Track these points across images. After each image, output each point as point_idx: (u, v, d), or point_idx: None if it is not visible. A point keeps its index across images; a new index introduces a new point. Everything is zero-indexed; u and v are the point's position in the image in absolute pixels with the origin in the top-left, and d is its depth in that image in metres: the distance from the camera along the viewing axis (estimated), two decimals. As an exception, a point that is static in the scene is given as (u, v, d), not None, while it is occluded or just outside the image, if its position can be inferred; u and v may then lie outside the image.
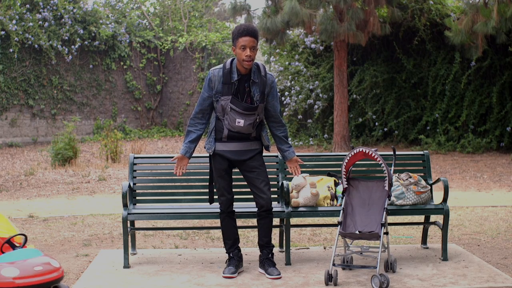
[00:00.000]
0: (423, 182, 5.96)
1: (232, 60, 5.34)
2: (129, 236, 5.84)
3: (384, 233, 5.27)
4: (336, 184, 6.00)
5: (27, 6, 17.18)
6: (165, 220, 6.94)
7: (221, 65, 5.36)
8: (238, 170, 5.53)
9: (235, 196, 5.54)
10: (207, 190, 5.82)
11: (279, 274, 5.35)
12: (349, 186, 5.50)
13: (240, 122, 5.26)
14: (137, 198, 6.00)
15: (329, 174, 6.10)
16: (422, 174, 6.16)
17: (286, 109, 16.82)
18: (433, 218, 6.45)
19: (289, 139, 16.47)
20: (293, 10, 12.83)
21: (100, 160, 13.77)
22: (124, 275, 5.46)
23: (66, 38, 17.68)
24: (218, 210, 5.57)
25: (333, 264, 5.14)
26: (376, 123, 15.75)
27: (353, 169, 5.67)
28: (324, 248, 6.41)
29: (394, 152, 5.74)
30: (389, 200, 5.45)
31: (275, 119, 5.44)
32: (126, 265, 5.66)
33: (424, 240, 6.38)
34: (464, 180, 11.19)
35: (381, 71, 15.62)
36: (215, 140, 5.39)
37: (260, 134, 5.45)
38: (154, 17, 21.50)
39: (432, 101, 15.29)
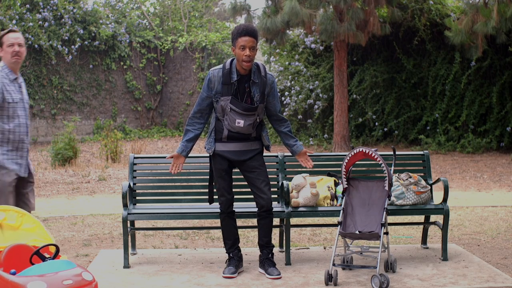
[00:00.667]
0: (423, 182, 5.96)
1: (232, 60, 5.33)
2: (129, 236, 5.84)
3: (384, 233, 5.27)
4: (336, 184, 6.00)
5: (27, 6, 17.17)
6: (165, 220, 6.94)
7: (220, 66, 5.35)
8: (238, 170, 5.53)
9: (235, 196, 5.54)
10: (207, 190, 5.82)
11: (279, 274, 5.35)
12: (349, 186, 5.50)
13: (240, 122, 5.26)
14: (137, 198, 6.00)
15: (329, 174, 6.10)
16: (422, 174, 6.16)
17: (286, 109, 16.82)
18: (433, 218, 6.45)
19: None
20: (293, 10, 12.83)
21: (100, 160, 13.77)
22: (124, 275, 5.46)
23: (66, 38, 17.68)
24: (218, 210, 5.57)
25: (333, 264, 5.14)
26: (376, 123, 15.75)
27: (353, 169, 5.67)
28: (324, 248, 6.41)
29: (394, 152, 5.74)
30: (389, 200, 5.45)
31: (277, 117, 5.45)
32: (126, 265, 5.66)
33: (424, 240, 6.38)
34: (464, 180, 11.19)
35: (381, 71, 15.63)
36: (215, 141, 5.38)
37: (260, 134, 5.45)
38: (154, 17, 21.50)
39: (432, 101, 15.29)
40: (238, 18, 19.04)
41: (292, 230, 6.99)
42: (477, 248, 6.41)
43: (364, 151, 5.35)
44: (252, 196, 5.67)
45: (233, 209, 5.51)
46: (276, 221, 5.85)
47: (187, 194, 6.10)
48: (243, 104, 5.24)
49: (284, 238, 5.85)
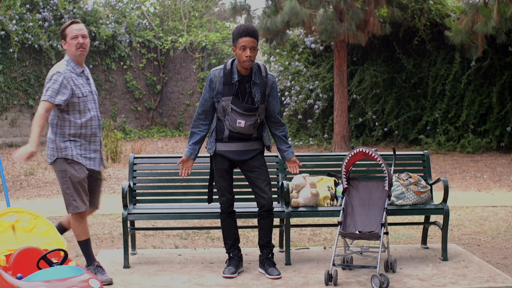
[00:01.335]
0: (423, 182, 5.96)
1: (233, 60, 5.34)
2: (129, 236, 5.84)
3: (384, 233, 5.27)
4: (336, 184, 6.00)
5: (27, 6, 17.16)
6: (165, 220, 6.94)
7: (221, 66, 5.36)
8: (238, 170, 5.53)
9: (235, 196, 5.54)
10: (207, 190, 5.83)
11: (279, 274, 5.35)
12: (349, 186, 5.50)
13: (241, 122, 5.26)
14: (137, 198, 6.00)
15: (329, 174, 6.11)
16: (422, 174, 6.16)
17: (286, 109, 16.82)
18: (433, 218, 6.45)
19: (289, 139, 16.52)
20: (293, 10, 12.82)
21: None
22: (124, 275, 5.46)
23: (66, 38, 17.66)
24: (218, 210, 5.57)
25: (333, 264, 5.15)
26: (376, 123, 15.74)
27: (353, 169, 5.67)
28: (324, 248, 6.41)
29: (394, 152, 5.74)
30: (389, 200, 5.45)
31: (274, 119, 5.45)
32: (126, 265, 5.66)
33: (424, 240, 6.38)
34: (464, 180, 11.19)
35: (381, 71, 15.62)
36: (216, 141, 5.39)
37: (261, 134, 5.45)
38: (154, 17, 21.49)
39: (432, 101, 15.29)
40: (238, 18, 19.05)
41: (292, 230, 6.99)
42: (477, 248, 6.41)
43: (364, 151, 5.35)
44: (252, 196, 5.67)
45: (234, 209, 5.51)
46: (276, 221, 5.85)
47: (187, 194, 6.10)
48: (244, 105, 5.24)
49: (284, 238, 5.85)
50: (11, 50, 16.59)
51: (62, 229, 5.46)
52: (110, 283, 5.17)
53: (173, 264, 5.78)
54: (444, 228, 5.88)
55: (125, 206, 5.63)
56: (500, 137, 14.63)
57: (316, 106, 16.34)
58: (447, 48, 14.80)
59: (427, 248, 6.33)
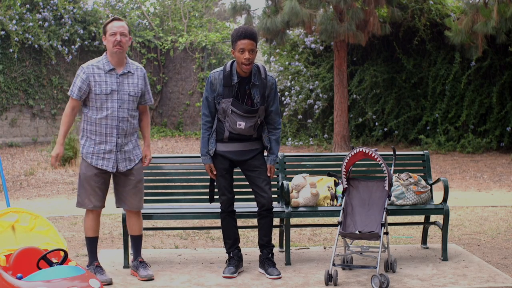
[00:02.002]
0: (423, 182, 5.96)
1: (232, 62, 5.35)
2: (129, 236, 5.83)
3: (384, 233, 5.27)
4: (336, 184, 6.00)
5: (27, 6, 17.16)
6: (165, 220, 6.93)
7: (221, 68, 5.37)
8: (238, 169, 5.54)
9: (235, 196, 5.54)
10: (207, 190, 5.83)
11: (279, 274, 5.35)
12: (349, 186, 5.50)
13: (241, 124, 5.27)
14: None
15: (329, 174, 6.11)
16: (422, 174, 6.16)
17: (286, 109, 16.82)
18: (433, 218, 6.45)
19: (289, 139, 16.52)
20: (293, 10, 12.82)
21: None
22: (124, 275, 5.46)
23: (66, 38, 17.66)
24: (218, 210, 5.57)
25: (333, 264, 5.15)
26: (376, 123, 15.74)
27: (353, 169, 5.67)
28: (324, 248, 6.41)
29: (394, 152, 5.74)
30: (389, 200, 5.45)
31: (271, 121, 5.44)
32: (126, 265, 5.66)
33: (424, 240, 6.38)
34: (464, 180, 11.19)
35: (381, 71, 15.62)
36: (216, 141, 5.39)
37: (261, 134, 5.46)
38: (154, 17, 21.48)
39: (432, 101, 15.29)
40: (238, 18, 19.06)
41: (292, 230, 6.99)
42: (477, 248, 6.41)
43: (364, 151, 5.35)
44: (251, 196, 5.68)
45: (234, 208, 5.51)
46: (276, 221, 5.85)
47: (187, 194, 6.11)
48: (244, 106, 5.25)
49: (284, 238, 5.85)
50: (11, 50, 16.59)
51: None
52: (110, 283, 5.18)
53: (173, 264, 5.78)
54: (444, 228, 5.88)
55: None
56: (500, 137, 14.63)
57: (316, 106, 16.34)
58: (447, 48, 14.80)
59: (427, 248, 6.33)
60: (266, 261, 5.45)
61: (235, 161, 5.43)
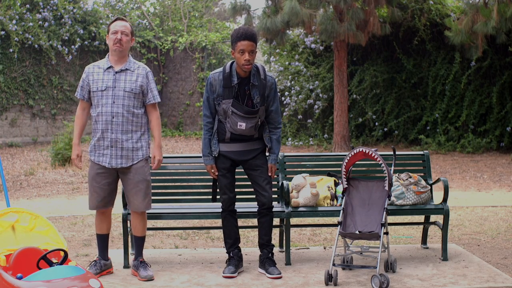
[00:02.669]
0: (423, 182, 5.96)
1: (232, 63, 5.35)
2: (129, 236, 5.83)
3: (384, 233, 5.27)
4: (336, 184, 6.00)
5: (27, 6, 17.16)
6: (165, 220, 6.93)
7: (221, 69, 5.38)
8: (239, 169, 5.54)
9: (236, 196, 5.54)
10: (207, 190, 5.83)
11: (280, 274, 5.35)
12: (349, 186, 5.50)
13: (242, 125, 5.28)
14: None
15: (329, 174, 6.11)
16: (422, 174, 6.16)
17: (286, 109, 16.82)
18: (433, 218, 6.45)
19: (289, 139, 16.52)
20: (293, 10, 12.82)
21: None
22: (124, 275, 5.46)
23: (66, 38, 17.67)
24: (218, 210, 5.58)
25: (333, 264, 5.14)
26: (376, 123, 15.75)
27: (353, 169, 5.67)
28: (324, 248, 6.41)
29: (394, 152, 5.74)
30: (389, 200, 5.45)
31: (272, 120, 5.45)
32: (126, 265, 5.66)
33: (424, 240, 6.38)
34: (464, 180, 11.19)
35: (381, 71, 15.62)
36: (218, 141, 5.40)
37: (262, 135, 5.46)
38: (154, 17, 21.49)
39: (432, 101, 15.29)
40: (238, 18, 19.05)
41: (292, 230, 6.99)
42: (477, 248, 6.40)
43: (364, 151, 5.35)
44: (251, 196, 5.68)
45: (235, 208, 5.51)
46: (276, 221, 5.85)
47: (187, 194, 6.11)
48: (244, 107, 5.26)
49: (284, 238, 5.85)
50: (11, 50, 16.59)
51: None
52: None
53: (173, 264, 5.78)
54: (444, 228, 5.88)
55: (125, 206, 5.63)
56: (500, 137, 14.63)
57: (316, 106, 16.34)
58: (447, 48, 14.80)
59: (427, 248, 6.33)
60: (267, 261, 5.45)
61: (237, 161, 5.44)
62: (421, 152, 6.34)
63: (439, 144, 14.82)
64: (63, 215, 8.30)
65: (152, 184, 6.18)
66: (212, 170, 5.43)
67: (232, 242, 5.50)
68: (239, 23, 21.84)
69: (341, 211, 5.38)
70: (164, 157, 6.20)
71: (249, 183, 5.62)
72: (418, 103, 15.51)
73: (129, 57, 5.39)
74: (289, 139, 16.62)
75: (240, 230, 5.81)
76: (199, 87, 19.41)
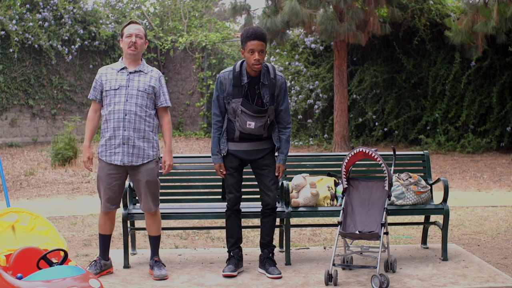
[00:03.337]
0: (423, 182, 5.96)
1: (242, 62, 5.36)
2: (129, 236, 5.84)
3: (384, 233, 5.27)
4: (336, 184, 6.00)
5: (27, 6, 17.16)
6: (165, 220, 6.93)
7: (230, 68, 5.39)
8: (246, 169, 5.54)
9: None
10: (208, 190, 5.83)
11: (280, 274, 5.35)
12: (349, 186, 5.50)
13: (251, 124, 5.29)
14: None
15: (329, 174, 6.11)
16: (422, 174, 6.16)
17: (286, 109, 16.80)
18: (433, 218, 6.45)
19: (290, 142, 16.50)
20: (293, 10, 12.82)
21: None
22: (124, 275, 5.46)
23: (66, 38, 17.67)
24: (218, 210, 5.58)
25: (333, 264, 5.14)
26: (376, 123, 15.75)
27: (353, 169, 5.67)
28: (324, 248, 6.41)
29: (394, 152, 5.74)
30: (389, 200, 5.45)
31: (281, 120, 5.45)
32: (126, 265, 5.66)
33: (424, 240, 6.38)
34: (464, 180, 11.19)
35: (381, 71, 15.62)
36: (227, 140, 5.40)
37: (271, 134, 5.46)
38: (154, 17, 21.49)
39: (432, 101, 15.29)
40: (238, 18, 19.06)
41: (292, 230, 6.99)
42: (477, 248, 6.41)
43: (364, 151, 5.35)
44: (253, 196, 5.69)
45: (240, 207, 5.52)
46: (276, 221, 5.85)
47: (187, 194, 6.10)
48: (253, 106, 5.26)
49: (284, 238, 5.85)
50: (11, 50, 16.59)
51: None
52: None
53: (173, 264, 5.78)
54: (444, 228, 5.88)
55: (125, 206, 5.64)
56: (500, 137, 14.63)
57: (316, 106, 16.34)
58: (447, 48, 14.80)
59: (427, 248, 6.33)
60: (267, 261, 5.45)
61: (245, 160, 5.44)
62: (421, 152, 6.34)
63: (439, 144, 14.82)
64: (63, 215, 8.30)
65: (152, 184, 6.19)
66: (220, 170, 5.43)
67: (234, 241, 5.51)
68: (239, 23, 21.88)
69: (341, 211, 5.38)
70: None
71: (253, 183, 5.63)
72: (418, 103, 15.51)
73: (143, 61, 5.45)
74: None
75: (240, 230, 5.81)
76: (199, 87, 19.41)
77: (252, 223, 6.76)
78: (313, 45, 16.49)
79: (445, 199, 5.87)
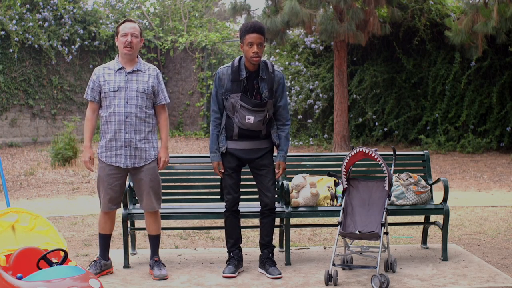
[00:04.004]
0: (423, 182, 5.96)
1: (240, 58, 5.37)
2: (129, 236, 5.84)
3: (384, 233, 5.27)
4: (336, 184, 6.00)
5: (27, 6, 17.16)
6: (165, 220, 6.93)
7: (229, 64, 5.41)
8: (244, 169, 5.54)
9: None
10: (208, 190, 5.83)
11: (280, 274, 5.35)
12: (349, 186, 5.50)
13: (250, 118, 5.28)
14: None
15: (329, 174, 6.11)
16: (422, 174, 6.16)
17: (286, 109, 16.80)
18: (433, 218, 6.45)
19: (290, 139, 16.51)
20: (293, 10, 12.82)
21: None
22: (124, 275, 5.46)
23: (66, 38, 17.67)
24: (218, 210, 5.58)
25: (333, 264, 5.14)
26: (376, 123, 15.75)
27: (353, 169, 5.67)
28: (324, 248, 6.41)
29: (394, 152, 5.74)
30: (389, 200, 5.45)
31: (280, 116, 5.45)
32: (126, 265, 5.66)
33: (424, 240, 6.38)
34: (464, 180, 11.19)
35: (381, 71, 15.62)
36: (226, 138, 5.40)
37: (270, 132, 5.46)
38: (154, 17, 21.49)
39: (432, 101, 15.29)
40: (238, 18, 19.06)
41: (292, 230, 6.99)
42: (477, 248, 6.41)
43: (364, 151, 5.35)
44: (252, 196, 5.68)
45: (238, 208, 5.51)
46: (276, 221, 5.85)
47: (187, 194, 6.10)
48: (252, 101, 5.27)
49: (284, 238, 5.85)
50: (11, 50, 16.59)
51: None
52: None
53: (173, 264, 5.78)
54: (444, 228, 5.88)
55: (125, 206, 5.64)
56: (500, 137, 14.63)
57: (316, 106, 16.34)
58: (447, 48, 14.80)
59: (427, 248, 6.33)
60: (267, 261, 5.45)
61: (243, 160, 5.44)
62: (421, 152, 6.34)
63: (439, 144, 14.82)
64: (63, 215, 8.30)
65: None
66: (219, 168, 5.43)
67: (233, 242, 5.51)
68: (239, 23, 21.84)
69: (341, 211, 5.38)
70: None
71: (252, 183, 5.63)
72: (418, 103, 15.51)
73: (139, 58, 5.43)
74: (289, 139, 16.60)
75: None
76: (199, 87, 19.41)
77: (252, 223, 6.76)
78: (313, 45, 16.49)
79: (445, 199, 5.87)
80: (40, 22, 17.19)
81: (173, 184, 6.11)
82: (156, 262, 5.43)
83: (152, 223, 5.47)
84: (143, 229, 6.44)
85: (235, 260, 5.46)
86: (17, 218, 4.81)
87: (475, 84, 14.80)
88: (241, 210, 5.64)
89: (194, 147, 16.30)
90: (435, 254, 6.08)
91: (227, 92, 5.32)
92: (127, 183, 5.64)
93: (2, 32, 16.30)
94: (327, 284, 5.12)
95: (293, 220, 6.18)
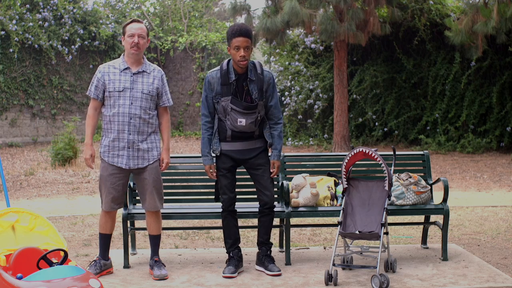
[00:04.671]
0: (423, 182, 5.96)
1: (229, 61, 5.38)
2: (129, 236, 5.84)
3: (384, 233, 5.27)
4: (336, 184, 6.00)
5: (27, 6, 17.17)
6: (165, 220, 6.93)
7: (217, 67, 5.41)
8: (240, 169, 5.54)
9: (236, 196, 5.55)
10: (208, 190, 5.82)
11: (279, 271, 5.36)
12: (349, 186, 5.50)
13: (242, 121, 5.29)
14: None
15: (329, 174, 6.10)
16: (422, 174, 6.16)
17: (286, 109, 16.82)
18: (433, 218, 6.45)
19: (289, 139, 16.52)
20: (293, 10, 12.82)
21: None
22: (124, 275, 5.46)
23: (66, 38, 17.67)
24: (218, 210, 5.58)
25: (333, 264, 5.14)
26: (376, 123, 15.75)
27: (353, 169, 5.67)
28: (324, 248, 6.41)
29: (394, 152, 5.74)
30: (389, 200, 5.45)
31: (272, 116, 5.46)
32: (126, 265, 5.66)
33: (424, 240, 6.38)
34: (464, 180, 11.19)
35: (381, 71, 15.63)
36: (219, 141, 5.40)
37: (263, 132, 5.46)
38: (154, 17, 21.49)
39: (432, 101, 15.29)
40: (238, 18, 19.04)
41: (292, 230, 6.99)
42: (477, 248, 6.40)
43: (364, 151, 5.35)
44: (251, 196, 5.68)
45: (235, 208, 5.51)
46: (276, 221, 5.85)
47: (187, 194, 6.10)
48: (243, 103, 5.27)
49: (284, 238, 5.85)
50: (11, 50, 16.59)
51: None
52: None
53: (173, 264, 5.78)
54: (444, 228, 5.88)
55: (125, 206, 5.63)
56: (500, 137, 14.63)
57: (316, 106, 16.34)
58: (447, 48, 14.80)
59: (427, 248, 6.33)
60: (265, 258, 5.45)
61: (238, 160, 5.44)
62: (421, 152, 6.34)
63: (439, 144, 14.82)
64: (63, 215, 8.30)
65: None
66: (210, 171, 5.44)
67: (232, 242, 5.51)
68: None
69: (341, 211, 5.38)
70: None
71: (250, 183, 5.63)
72: (418, 103, 15.51)
73: (144, 59, 5.43)
74: (289, 139, 16.62)
75: (240, 230, 5.81)
76: (199, 87, 19.41)
77: (252, 223, 6.76)
78: (313, 45, 16.49)
79: (445, 199, 5.87)
80: (40, 22, 17.18)
81: (173, 184, 6.11)
82: (156, 262, 5.44)
83: (153, 222, 5.47)
84: (143, 229, 6.44)
85: (235, 260, 5.46)
86: (17, 218, 4.81)
87: (475, 84, 14.80)
88: (240, 210, 5.64)
89: (194, 147, 16.30)
90: (435, 254, 6.08)
91: (217, 95, 5.33)
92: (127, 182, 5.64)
93: (2, 32, 16.29)
94: (327, 284, 5.12)
95: (293, 220, 6.18)
